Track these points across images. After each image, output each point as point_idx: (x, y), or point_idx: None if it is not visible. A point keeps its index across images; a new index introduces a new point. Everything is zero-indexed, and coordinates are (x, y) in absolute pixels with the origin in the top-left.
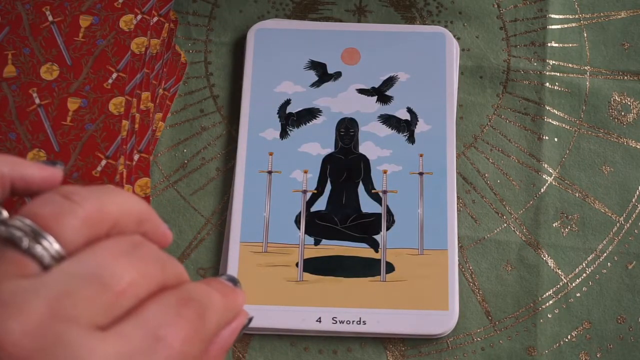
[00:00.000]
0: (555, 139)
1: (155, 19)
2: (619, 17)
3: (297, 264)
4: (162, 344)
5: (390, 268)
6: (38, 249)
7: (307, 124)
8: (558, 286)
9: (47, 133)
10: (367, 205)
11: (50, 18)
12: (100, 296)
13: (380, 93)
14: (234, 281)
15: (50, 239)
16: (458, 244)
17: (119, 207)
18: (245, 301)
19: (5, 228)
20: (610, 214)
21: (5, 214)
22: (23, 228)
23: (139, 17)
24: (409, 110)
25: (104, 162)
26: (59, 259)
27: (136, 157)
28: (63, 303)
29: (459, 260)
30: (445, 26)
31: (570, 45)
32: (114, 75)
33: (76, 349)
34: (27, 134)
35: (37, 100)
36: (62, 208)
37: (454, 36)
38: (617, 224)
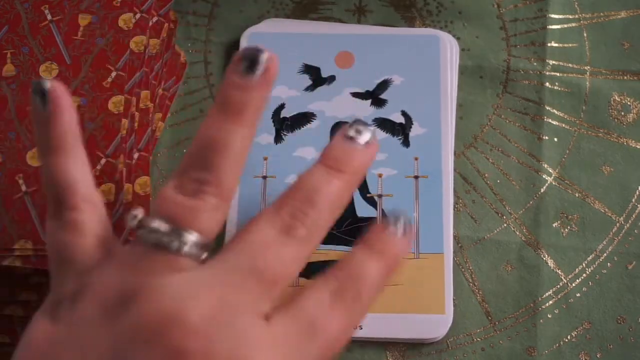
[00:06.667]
0: (555, 139)
1: (155, 19)
2: (619, 17)
3: None
4: (320, 332)
5: None
6: (186, 247)
7: (302, 128)
8: (558, 286)
9: None
10: (363, 209)
11: (49, 17)
12: (260, 287)
13: (375, 96)
14: (397, 220)
15: (194, 235)
16: (458, 244)
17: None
18: (407, 247)
19: (149, 234)
20: (610, 214)
21: (140, 214)
22: (166, 230)
23: (138, 15)
24: (404, 113)
25: (103, 161)
26: (207, 248)
27: (136, 155)
28: (231, 295)
29: (459, 261)
30: (445, 26)
31: (570, 45)
32: (113, 74)
33: (247, 334)
34: (26, 133)
35: None
36: (195, 203)
37: (454, 36)
38: (617, 224)
